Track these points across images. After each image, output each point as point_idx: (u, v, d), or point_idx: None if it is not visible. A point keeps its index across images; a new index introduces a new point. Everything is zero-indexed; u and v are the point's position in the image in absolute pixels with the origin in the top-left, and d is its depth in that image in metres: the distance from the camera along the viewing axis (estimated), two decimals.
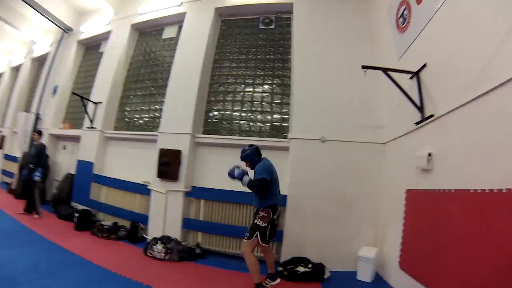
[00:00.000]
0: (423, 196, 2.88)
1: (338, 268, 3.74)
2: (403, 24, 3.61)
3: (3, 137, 8.78)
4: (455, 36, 2.59)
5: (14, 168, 7.48)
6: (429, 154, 2.78)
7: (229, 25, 5.63)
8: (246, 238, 2.96)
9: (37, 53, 8.95)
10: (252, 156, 3.15)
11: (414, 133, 3.24)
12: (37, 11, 7.09)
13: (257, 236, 2.89)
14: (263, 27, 5.40)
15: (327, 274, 3.57)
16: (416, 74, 3.14)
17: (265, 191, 2.97)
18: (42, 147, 5.45)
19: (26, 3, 6.81)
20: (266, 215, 2.94)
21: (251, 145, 3.23)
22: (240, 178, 2.95)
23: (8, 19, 8.03)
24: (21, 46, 9.84)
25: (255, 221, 2.96)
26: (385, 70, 3.21)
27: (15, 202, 6.04)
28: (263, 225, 2.92)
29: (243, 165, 3.21)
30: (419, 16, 3.21)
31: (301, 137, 4.23)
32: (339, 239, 3.89)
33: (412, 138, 3.29)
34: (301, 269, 3.53)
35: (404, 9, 3.56)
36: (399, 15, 3.71)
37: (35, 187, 5.18)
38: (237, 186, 3.98)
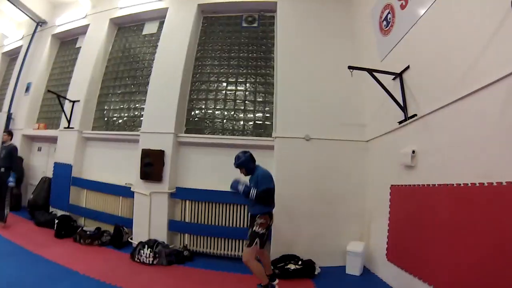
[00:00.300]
0: (408, 191, 3.02)
1: (327, 264, 3.83)
2: (386, 27, 3.70)
3: None
4: (438, 41, 2.70)
5: None
6: (413, 152, 2.90)
7: (211, 22, 5.52)
8: (246, 245, 2.95)
9: (8, 47, 8.35)
10: (247, 163, 3.10)
11: (397, 132, 3.36)
12: (9, 1, 6.61)
13: (256, 243, 2.89)
14: (246, 25, 5.34)
15: (317, 270, 3.64)
16: (399, 75, 3.25)
17: (269, 198, 3.00)
18: (12, 149, 5.02)
19: None
20: (264, 221, 2.93)
21: (244, 152, 3.18)
22: (246, 192, 2.89)
23: None
24: None
25: (254, 228, 2.93)
26: (370, 71, 3.30)
27: None
28: (261, 232, 2.92)
29: (237, 172, 3.18)
30: (403, 21, 3.31)
31: (286, 136, 4.26)
32: (326, 235, 3.98)
33: (396, 136, 3.40)
34: (291, 266, 3.59)
35: (388, 13, 3.66)
36: (382, 18, 3.80)
37: (7, 192, 4.78)
38: (222, 186, 4.00)
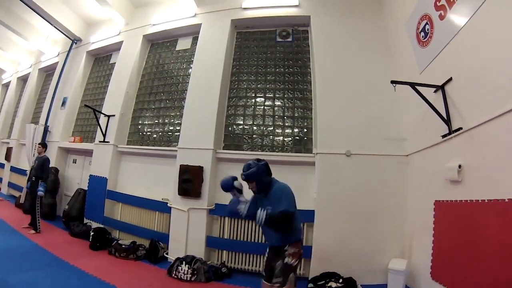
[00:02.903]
0: (454, 207, 2.90)
1: (367, 282, 3.71)
2: (424, 39, 3.61)
3: (9, 149, 8.62)
4: (482, 51, 2.62)
5: (21, 181, 7.31)
6: (459, 166, 2.80)
7: (245, 37, 5.57)
8: (278, 286, 2.19)
9: (45, 63, 8.85)
10: (259, 174, 2.30)
11: (441, 146, 3.25)
12: (46, 20, 7.02)
13: (291, 280, 2.21)
14: (280, 39, 5.35)
15: None
16: (441, 88, 3.16)
17: (292, 224, 2.31)
18: (45, 160, 5.26)
19: (35, 11, 6.74)
20: (296, 250, 2.31)
21: (258, 160, 2.42)
22: (251, 216, 2.23)
23: (16, 28, 7.95)
24: (28, 56, 9.73)
25: (286, 260, 2.24)
26: (412, 85, 3.23)
27: (24, 217, 5.82)
28: (296, 264, 2.27)
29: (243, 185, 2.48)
30: (443, 31, 3.21)
31: (327, 152, 4.20)
32: (367, 252, 3.87)
33: (439, 150, 3.30)
34: (333, 284, 3.50)
35: (426, 24, 3.56)
36: (419, 30, 3.71)
37: (37, 201, 5.02)
38: None
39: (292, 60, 5.14)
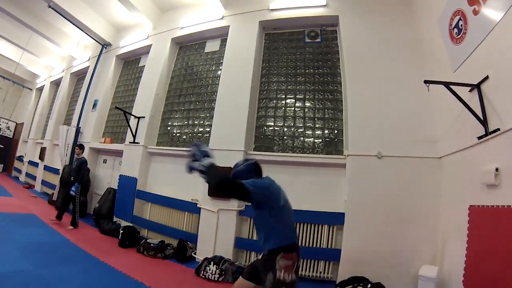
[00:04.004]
0: (491, 213, 2.72)
1: None
2: (458, 35, 3.41)
3: (43, 149, 9.08)
4: None
5: (54, 179, 7.67)
6: (496, 169, 2.61)
7: (273, 38, 5.55)
8: None
9: (76, 68, 9.29)
10: (246, 173, 2.19)
11: (476, 148, 3.05)
12: (77, 26, 7.38)
13: None
14: (308, 40, 5.29)
15: None
16: (476, 87, 2.98)
17: (274, 223, 1.99)
18: (83, 162, 5.56)
19: (66, 19, 7.10)
20: (290, 262, 1.90)
21: (246, 159, 2.37)
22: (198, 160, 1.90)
23: (48, 36, 8.42)
24: (60, 62, 10.26)
25: (278, 275, 1.85)
26: (446, 84, 3.08)
27: (56, 213, 6.08)
28: (290, 279, 1.86)
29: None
30: (477, 27, 3.02)
31: (358, 154, 4.09)
32: (396, 257, 3.72)
33: (474, 153, 3.10)
34: None
35: (459, 20, 3.37)
36: (452, 26, 3.52)
37: (76, 199, 5.37)
38: (297, 205, 3.89)
39: (322, 60, 5.06)
